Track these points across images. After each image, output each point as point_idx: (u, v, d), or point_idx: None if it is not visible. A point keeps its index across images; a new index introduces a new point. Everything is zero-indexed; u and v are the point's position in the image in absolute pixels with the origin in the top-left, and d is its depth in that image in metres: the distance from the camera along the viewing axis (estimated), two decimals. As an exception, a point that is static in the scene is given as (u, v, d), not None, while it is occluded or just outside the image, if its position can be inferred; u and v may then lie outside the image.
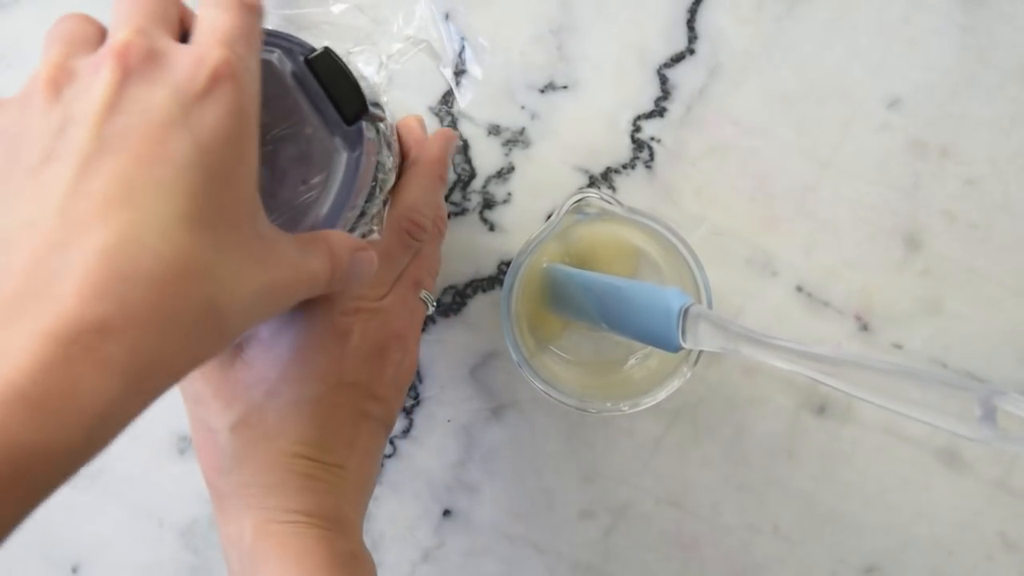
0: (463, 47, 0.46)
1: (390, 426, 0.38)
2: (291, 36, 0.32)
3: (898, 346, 0.45)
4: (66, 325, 0.21)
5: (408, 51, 0.37)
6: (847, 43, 0.45)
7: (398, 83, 0.47)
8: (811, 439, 0.46)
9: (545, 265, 0.41)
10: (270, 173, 0.33)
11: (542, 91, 0.46)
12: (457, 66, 0.46)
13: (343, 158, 0.32)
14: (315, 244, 0.29)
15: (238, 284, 0.24)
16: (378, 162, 0.35)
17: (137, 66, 0.24)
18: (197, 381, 0.35)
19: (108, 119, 0.24)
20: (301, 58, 0.32)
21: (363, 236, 0.36)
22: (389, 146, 0.36)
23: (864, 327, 0.45)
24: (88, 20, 0.27)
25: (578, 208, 0.40)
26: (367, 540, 0.47)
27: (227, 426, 0.34)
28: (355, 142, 0.33)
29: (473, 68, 0.38)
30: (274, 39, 0.32)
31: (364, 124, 0.33)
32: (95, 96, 0.24)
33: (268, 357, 0.35)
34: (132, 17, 0.26)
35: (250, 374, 0.35)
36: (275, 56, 0.32)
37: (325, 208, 0.32)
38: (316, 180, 0.33)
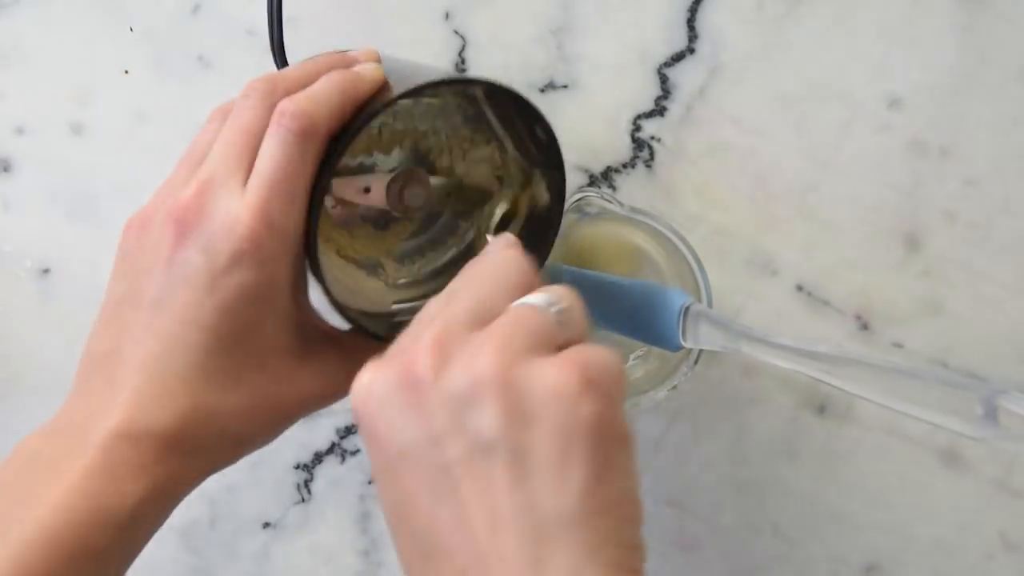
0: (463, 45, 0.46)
1: None
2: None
3: (898, 346, 0.45)
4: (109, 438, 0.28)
5: None
6: (847, 43, 0.45)
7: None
8: (811, 439, 0.46)
9: (545, 265, 0.41)
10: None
11: (542, 91, 0.46)
12: (456, 65, 0.46)
13: None
14: (325, 364, 0.33)
15: (244, 414, 0.30)
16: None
17: (186, 229, 0.29)
18: None
19: (160, 278, 0.30)
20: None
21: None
22: None
23: (864, 327, 0.45)
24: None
25: (578, 208, 0.40)
26: (367, 540, 0.47)
27: None
28: None
29: None
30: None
31: None
32: (156, 247, 0.30)
33: None
34: (202, 162, 0.31)
35: None
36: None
37: None
38: None
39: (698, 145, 0.45)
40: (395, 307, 0.38)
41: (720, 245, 0.45)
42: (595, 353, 0.26)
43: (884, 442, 0.45)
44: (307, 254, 0.31)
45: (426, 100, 0.38)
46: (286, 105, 0.30)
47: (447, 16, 0.46)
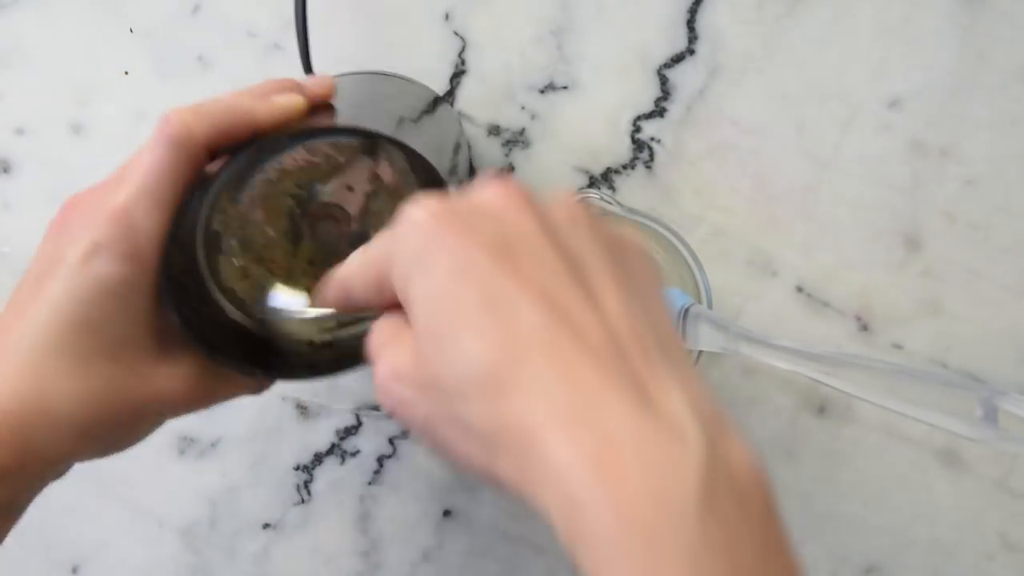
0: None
1: None
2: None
3: (898, 346, 0.45)
4: None
5: None
6: (847, 43, 0.45)
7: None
8: (811, 439, 0.46)
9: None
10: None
11: (542, 91, 0.46)
12: (457, 66, 0.46)
13: None
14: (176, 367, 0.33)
15: (90, 401, 0.31)
16: None
17: (67, 219, 0.31)
18: None
19: (40, 263, 0.31)
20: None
21: None
22: None
23: (864, 327, 0.45)
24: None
25: (578, 208, 0.40)
26: (367, 541, 0.47)
27: None
28: None
29: None
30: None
31: None
32: (45, 238, 0.32)
33: None
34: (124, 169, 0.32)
35: None
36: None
37: None
38: None
39: (698, 146, 0.45)
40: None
41: (720, 246, 0.45)
42: None
43: (884, 442, 0.45)
44: (161, 259, 0.31)
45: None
46: (168, 112, 0.31)
47: (447, 17, 0.46)
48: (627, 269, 0.25)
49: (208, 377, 0.34)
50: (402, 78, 0.43)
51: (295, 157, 0.36)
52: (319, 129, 0.33)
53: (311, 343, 0.37)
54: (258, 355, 0.36)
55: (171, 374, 0.32)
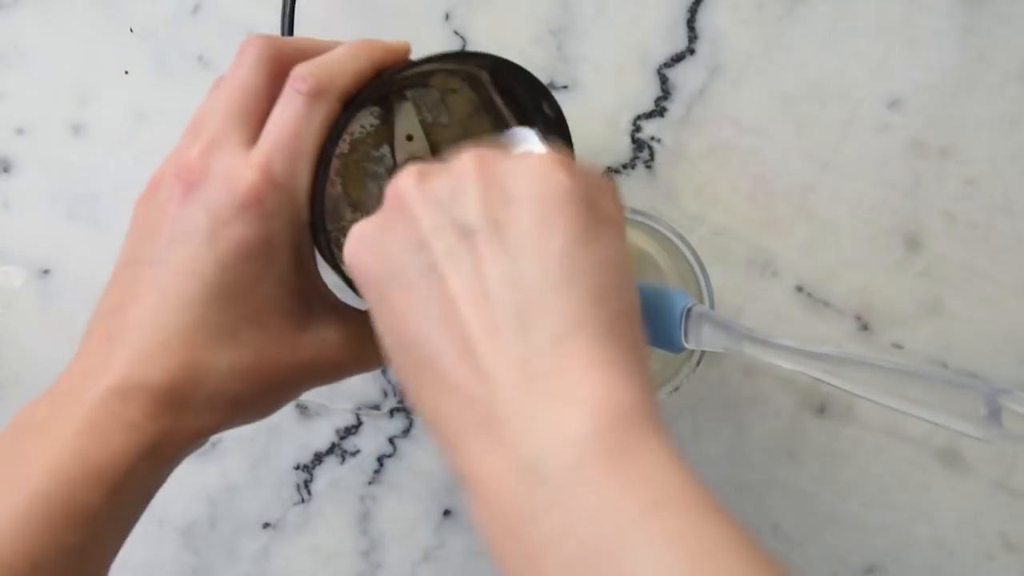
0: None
1: None
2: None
3: (898, 346, 0.45)
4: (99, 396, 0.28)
5: None
6: (847, 43, 0.45)
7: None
8: (811, 439, 0.46)
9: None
10: None
11: (542, 91, 0.46)
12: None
13: None
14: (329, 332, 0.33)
15: (240, 374, 0.30)
16: None
17: (191, 187, 0.30)
18: None
19: (164, 235, 0.30)
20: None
21: None
22: None
23: (864, 327, 0.45)
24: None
25: (579, 208, 0.40)
26: (367, 541, 0.47)
27: None
28: None
29: None
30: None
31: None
32: (162, 208, 0.30)
33: None
34: (204, 126, 0.31)
35: None
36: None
37: None
38: None
39: (698, 145, 0.45)
40: None
41: (720, 246, 0.45)
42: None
43: (884, 442, 0.45)
44: (311, 210, 0.31)
45: (436, 90, 0.38)
46: (299, 69, 0.30)
47: (447, 17, 0.46)
48: (509, 228, 0.25)
49: (354, 342, 0.33)
50: None
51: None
52: (431, 58, 0.34)
53: None
54: None
55: (317, 340, 0.32)
